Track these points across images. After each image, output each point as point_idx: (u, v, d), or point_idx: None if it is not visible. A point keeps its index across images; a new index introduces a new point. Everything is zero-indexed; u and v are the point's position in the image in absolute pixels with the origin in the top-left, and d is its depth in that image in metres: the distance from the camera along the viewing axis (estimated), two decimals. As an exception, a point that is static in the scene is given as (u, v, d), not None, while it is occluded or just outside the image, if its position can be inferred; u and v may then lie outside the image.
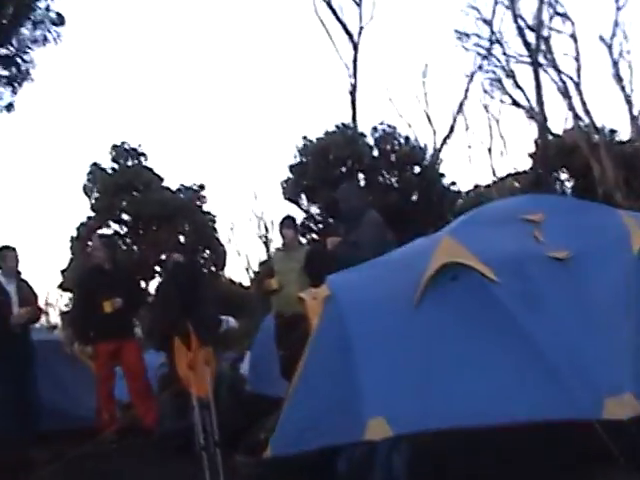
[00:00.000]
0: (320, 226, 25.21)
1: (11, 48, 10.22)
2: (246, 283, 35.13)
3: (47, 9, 10.29)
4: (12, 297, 8.35)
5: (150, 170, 29.63)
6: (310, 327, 5.64)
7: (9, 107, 10.27)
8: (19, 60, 10.25)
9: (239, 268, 47.66)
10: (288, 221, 8.88)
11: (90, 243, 28.05)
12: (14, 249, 8.70)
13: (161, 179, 29.79)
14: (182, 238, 29.06)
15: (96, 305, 8.58)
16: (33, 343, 8.61)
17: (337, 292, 5.65)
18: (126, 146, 29.82)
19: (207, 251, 30.03)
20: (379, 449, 5.16)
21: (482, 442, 4.95)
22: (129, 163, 29.66)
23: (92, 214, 29.21)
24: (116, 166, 29.61)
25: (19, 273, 8.78)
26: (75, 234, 29.02)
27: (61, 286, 28.10)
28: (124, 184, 28.49)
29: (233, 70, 55.99)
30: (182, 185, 30.43)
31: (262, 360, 9.90)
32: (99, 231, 26.48)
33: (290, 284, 8.26)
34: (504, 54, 29.16)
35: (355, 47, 29.70)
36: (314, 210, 25.73)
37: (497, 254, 5.40)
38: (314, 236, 25.05)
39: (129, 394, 9.04)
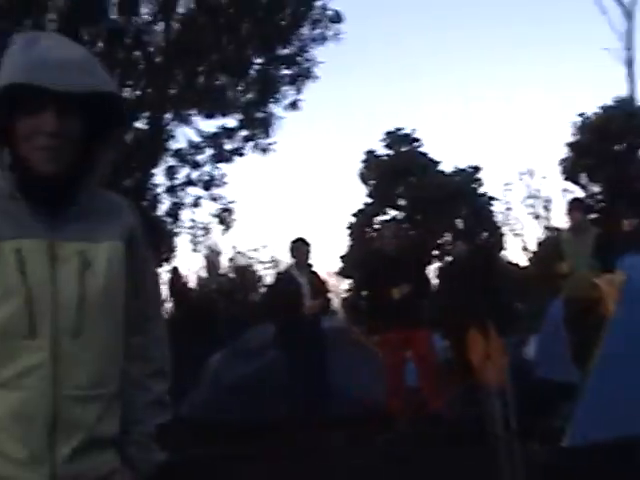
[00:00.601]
0: (602, 205, 24.14)
1: (292, 48, 10.67)
2: (523, 264, 34.36)
3: (324, 8, 10.59)
4: (303, 288, 8.67)
5: (425, 155, 29.79)
6: (606, 312, 5.42)
7: (294, 105, 10.70)
8: (300, 59, 10.66)
9: (516, 249, 46.40)
10: (577, 203, 8.63)
11: (367, 230, 28.92)
12: (306, 242, 9.03)
13: (436, 163, 29.85)
14: (459, 222, 28.97)
15: (384, 292, 8.68)
16: (323, 330, 8.91)
17: (634, 274, 5.39)
18: (400, 132, 30.20)
19: (485, 234, 29.71)
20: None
21: None
22: (404, 149, 29.99)
23: (369, 201, 29.89)
24: (391, 152, 30.08)
25: (310, 265, 9.11)
26: (353, 221, 29.83)
27: (340, 273, 28.97)
28: (400, 170, 28.85)
29: (500, 46, 54.78)
30: (457, 168, 30.29)
31: (551, 345, 9.62)
32: (378, 218, 27.13)
33: (581, 268, 8.02)
34: None
35: (629, 16, 27.93)
36: (595, 189, 24.70)
37: None
38: (594, 216, 24.04)
39: (418, 380, 9.11)
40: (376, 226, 28.50)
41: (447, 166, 30.29)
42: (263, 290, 15.64)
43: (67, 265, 1.86)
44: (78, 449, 1.84)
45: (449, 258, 27.70)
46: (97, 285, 1.88)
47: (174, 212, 11.01)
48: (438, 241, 28.89)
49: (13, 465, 1.79)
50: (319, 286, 8.98)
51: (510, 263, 34.14)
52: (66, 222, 1.89)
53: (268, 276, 16.21)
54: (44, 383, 1.79)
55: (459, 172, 30.02)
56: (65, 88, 1.78)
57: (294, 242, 8.98)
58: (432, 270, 26.28)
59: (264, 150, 10.81)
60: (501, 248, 30.74)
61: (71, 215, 1.90)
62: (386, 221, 28.09)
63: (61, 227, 1.88)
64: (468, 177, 29.89)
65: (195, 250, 13.79)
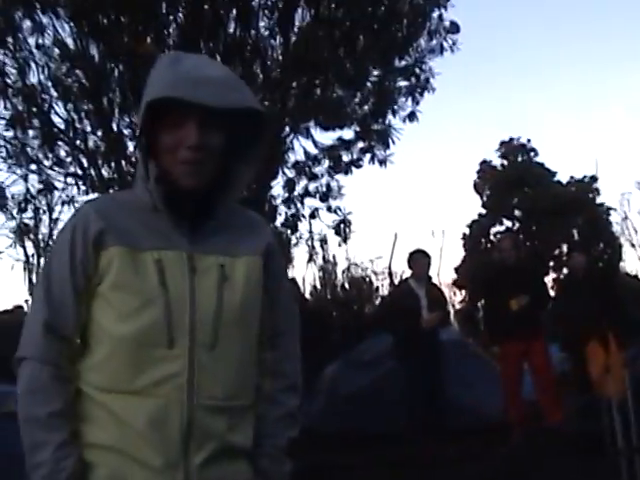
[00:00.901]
0: None
1: (409, 59, 10.66)
2: (643, 275, 33.23)
3: (440, 18, 10.54)
4: (422, 301, 8.66)
5: (541, 165, 29.29)
6: None
7: (411, 117, 10.67)
8: (418, 70, 10.63)
9: (634, 260, 44.93)
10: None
11: (482, 241, 28.56)
12: (426, 253, 9.01)
13: (552, 173, 29.30)
14: (575, 232, 28.33)
15: (503, 304, 8.61)
16: (441, 343, 8.90)
17: None
18: (515, 142, 29.79)
19: (601, 245, 28.96)
20: None
21: None
22: (519, 159, 29.57)
23: (484, 211, 29.57)
24: (506, 162, 29.70)
25: (429, 277, 9.09)
26: (467, 231, 29.56)
27: (455, 283, 28.72)
28: (515, 180, 28.45)
29: (622, 55, 53.24)
30: (573, 178, 29.67)
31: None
32: (493, 229, 26.79)
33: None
34: None
35: None
36: None
37: None
38: None
39: (535, 392, 8.99)
40: (491, 237, 28.16)
41: (563, 176, 29.67)
42: (378, 301, 15.62)
43: (206, 278, 1.93)
44: (211, 457, 1.90)
45: (565, 269, 27.29)
46: (234, 299, 1.95)
47: (292, 223, 11.13)
48: (554, 252, 28.28)
49: (149, 472, 1.86)
50: (438, 298, 8.96)
51: (628, 275, 33.12)
52: (205, 236, 1.98)
53: (383, 287, 16.14)
54: (180, 392, 1.87)
55: (575, 182, 29.35)
56: (208, 102, 1.86)
57: (413, 254, 8.98)
58: (548, 281, 25.92)
59: (382, 162, 10.82)
60: (619, 259, 29.87)
61: (210, 229, 1.99)
62: (502, 232, 27.75)
63: (200, 240, 1.97)
64: (585, 187, 29.18)
65: (312, 261, 13.90)
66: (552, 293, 11.09)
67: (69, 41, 9.69)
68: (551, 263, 27.83)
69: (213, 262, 1.95)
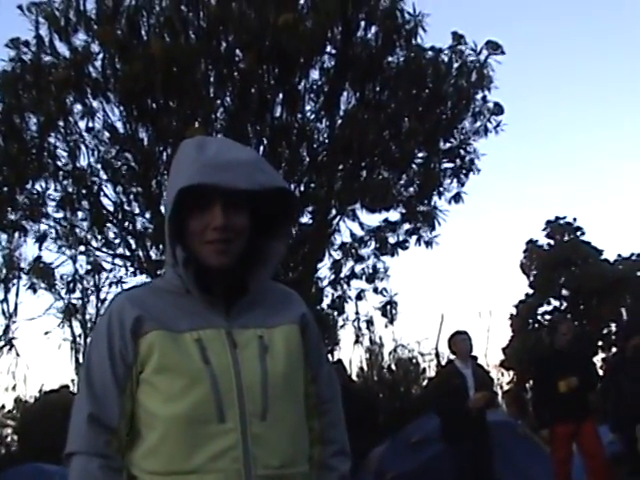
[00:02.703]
0: None
1: (454, 141, 10.75)
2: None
3: (484, 100, 10.63)
4: (468, 381, 8.57)
5: (588, 244, 29.11)
6: None
7: (456, 198, 10.71)
8: (462, 152, 10.70)
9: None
10: None
11: (530, 321, 28.24)
12: (466, 333, 8.98)
13: (599, 252, 29.07)
14: (624, 311, 27.95)
15: (552, 386, 8.53)
16: (489, 424, 8.74)
17: None
18: (561, 221, 29.71)
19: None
20: None
21: None
22: (565, 238, 29.43)
23: (530, 291, 29.35)
24: (552, 242, 29.58)
25: (474, 357, 9.02)
26: (514, 312, 29.31)
27: (502, 364, 28.36)
28: (561, 259, 28.28)
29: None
30: (620, 256, 29.41)
31: None
32: (540, 309, 26.50)
33: None
34: None
35: None
36: None
37: None
38: None
39: (587, 475, 8.77)
40: (538, 317, 27.91)
41: (610, 254, 29.42)
42: (425, 382, 15.47)
43: (247, 350, 1.93)
44: None
45: (614, 349, 26.85)
46: (278, 367, 1.94)
47: (338, 305, 11.13)
48: (602, 331, 27.93)
49: None
50: (484, 378, 8.86)
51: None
52: (241, 311, 1.99)
53: (430, 369, 16.01)
54: (238, 464, 1.84)
55: (623, 260, 29.10)
56: (237, 185, 1.90)
57: (453, 335, 8.96)
58: (597, 360, 25.47)
59: (428, 243, 10.83)
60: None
61: (245, 304, 2.00)
62: (550, 312, 27.47)
63: (237, 316, 1.98)
64: (632, 265, 28.90)
65: (358, 342, 13.85)
66: (601, 373, 10.92)
67: (119, 125, 9.98)
68: (600, 342, 27.40)
69: (252, 334, 1.96)
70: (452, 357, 8.97)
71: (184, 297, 1.98)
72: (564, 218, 29.74)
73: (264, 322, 2.00)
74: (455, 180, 10.77)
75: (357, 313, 12.18)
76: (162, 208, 9.69)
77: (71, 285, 10.97)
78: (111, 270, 10.96)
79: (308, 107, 10.29)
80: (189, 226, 1.94)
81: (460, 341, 8.86)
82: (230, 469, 1.84)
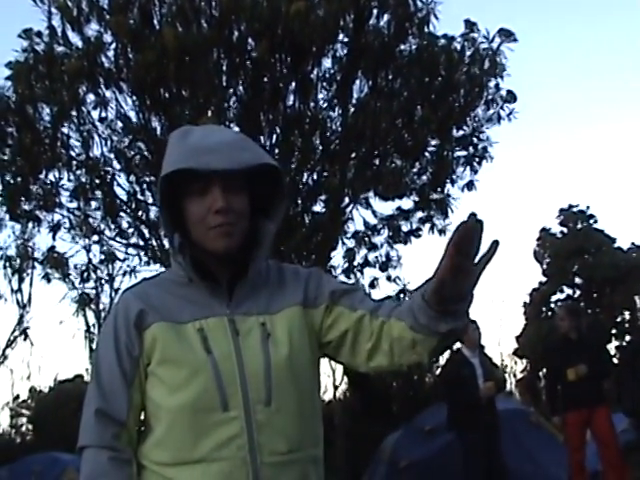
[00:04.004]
0: None
1: (466, 129, 10.72)
2: None
3: (497, 87, 10.59)
4: (477, 370, 8.56)
5: (601, 232, 28.99)
6: None
7: (469, 186, 10.69)
8: (475, 140, 10.68)
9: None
10: None
11: (543, 309, 28.21)
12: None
13: (613, 240, 28.96)
14: (637, 299, 27.87)
15: (562, 374, 8.54)
16: (499, 412, 8.74)
17: None
18: (574, 209, 29.59)
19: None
20: None
21: None
22: (579, 226, 29.34)
23: (544, 279, 29.29)
24: (565, 230, 29.49)
25: (482, 347, 9.01)
26: (528, 300, 29.26)
27: (515, 352, 28.32)
28: (575, 248, 28.19)
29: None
30: (633, 244, 29.30)
31: None
32: (553, 297, 26.48)
33: None
34: None
35: None
36: None
37: None
38: None
39: (600, 463, 8.77)
40: (552, 305, 27.85)
41: (624, 242, 29.30)
42: (438, 371, 15.50)
43: (249, 338, 1.95)
44: None
45: (628, 336, 26.78)
46: (281, 353, 1.96)
47: (352, 293, 11.14)
48: (616, 319, 27.87)
49: None
50: (490, 367, 8.86)
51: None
52: (243, 298, 2.01)
53: (443, 357, 16.02)
54: (243, 452, 1.86)
55: (636, 248, 29.00)
56: (222, 166, 1.91)
57: None
58: (610, 348, 25.41)
59: (441, 231, 10.82)
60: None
61: (246, 290, 2.02)
62: (563, 300, 27.38)
63: (238, 303, 2.00)
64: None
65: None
66: (615, 361, 10.89)
67: (132, 114, 10.00)
68: (613, 330, 27.34)
69: (254, 322, 1.97)
70: (459, 345, 8.96)
71: (187, 286, 2.00)
72: (577, 206, 29.63)
73: (266, 309, 2.01)
74: (468, 168, 10.76)
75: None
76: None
77: (85, 275, 11.01)
78: (125, 259, 11.00)
79: (321, 96, 10.28)
80: (191, 213, 1.96)
81: (471, 331, 8.85)
82: (235, 457, 1.86)
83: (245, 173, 1.97)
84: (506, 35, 10.07)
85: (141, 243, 10.43)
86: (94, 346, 13.44)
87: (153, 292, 2.02)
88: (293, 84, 9.95)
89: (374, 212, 11.14)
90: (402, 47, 10.04)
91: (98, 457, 1.90)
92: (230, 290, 2.00)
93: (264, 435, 1.88)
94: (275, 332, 1.98)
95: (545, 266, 29.25)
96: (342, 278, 11.03)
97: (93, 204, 10.37)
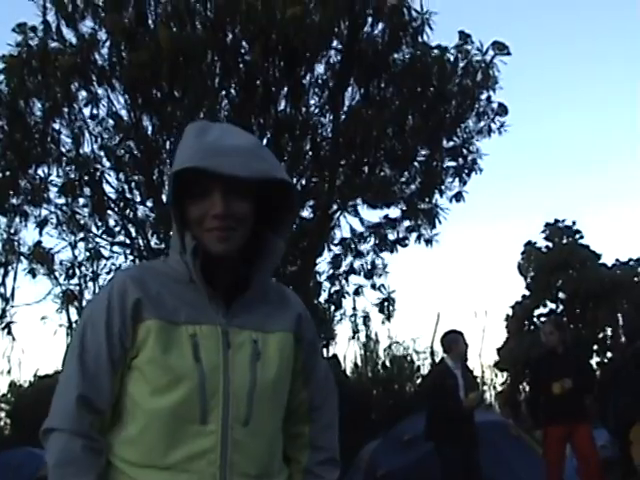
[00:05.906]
0: None
1: (457, 140, 10.76)
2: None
3: (489, 100, 10.64)
4: (459, 381, 8.56)
5: (586, 247, 29.12)
6: None
7: (458, 197, 10.71)
8: (465, 151, 10.72)
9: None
10: None
11: (526, 322, 28.27)
12: (462, 334, 8.95)
13: (598, 256, 29.09)
14: (620, 316, 27.99)
15: (546, 388, 8.53)
16: (477, 424, 8.75)
17: None
18: (560, 224, 29.71)
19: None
20: None
21: None
22: (564, 241, 29.45)
23: (527, 293, 29.36)
24: (550, 244, 29.59)
25: (466, 359, 8.99)
26: (510, 313, 29.32)
27: (496, 365, 28.38)
28: (559, 262, 28.29)
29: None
30: (618, 260, 29.45)
31: None
32: (536, 311, 26.54)
33: None
34: None
35: None
36: None
37: None
38: None
39: (580, 477, 8.78)
40: (534, 319, 27.95)
41: (608, 259, 29.47)
42: (419, 381, 15.51)
43: (239, 353, 1.91)
44: None
45: (609, 353, 26.86)
46: (268, 375, 1.93)
47: (336, 300, 11.14)
48: (598, 335, 27.99)
49: None
50: (471, 380, 8.88)
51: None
52: (240, 310, 1.96)
53: (425, 367, 16.03)
54: (213, 468, 1.83)
55: (621, 265, 29.14)
56: (234, 172, 1.85)
57: (449, 333, 8.93)
58: (592, 363, 25.51)
59: (428, 241, 10.84)
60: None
61: (245, 303, 1.97)
62: (546, 314, 27.48)
63: (236, 314, 1.95)
64: (630, 270, 28.94)
65: (354, 338, 13.85)
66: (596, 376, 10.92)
67: (123, 113, 10.00)
68: (595, 347, 27.46)
69: (247, 337, 1.93)
70: (443, 355, 8.96)
71: (186, 285, 1.94)
72: (563, 221, 29.77)
73: (261, 326, 1.97)
74: (457, 179, 10.78)
75: (354, 309, 12.21)
76: (164, 197, 9.71)
77: (70, 271, 10.97)
78: (110, 258, 10.97)
79: (312, 101, 10.31)
80: (189, 213, 1.91)
81: (460, 342, 8.83)
82: (205, 472, 1.82)
83: (255, 180, 1.90)
84: (499, 48, 10.12)
85: (127, 241, 10.41)
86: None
87: (150, 282, 1.94)
88: (285, 88, 9.97)
89: (361, 220, 11.16)
90: (395, 56, 10.08)
91: (70, 444, 1.83)
92: (228, 300, 1.96)
93: (237, 455, 1.85)
94: (266, 352, 1.95)
95: (529, 280, 29.34)
96: (327, 285, 11.07)
97: (81, 201, 10.36)
